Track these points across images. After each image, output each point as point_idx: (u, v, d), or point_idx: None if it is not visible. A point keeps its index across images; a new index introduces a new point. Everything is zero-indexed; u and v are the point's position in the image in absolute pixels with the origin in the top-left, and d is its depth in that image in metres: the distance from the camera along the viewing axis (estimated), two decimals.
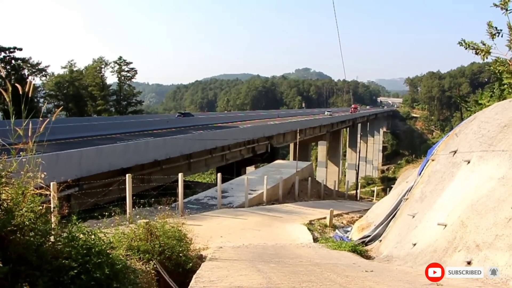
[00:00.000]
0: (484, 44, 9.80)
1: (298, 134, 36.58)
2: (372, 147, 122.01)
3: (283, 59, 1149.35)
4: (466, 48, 10.13)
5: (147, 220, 7.29)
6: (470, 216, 6.21)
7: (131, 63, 70.58)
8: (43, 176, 4.88)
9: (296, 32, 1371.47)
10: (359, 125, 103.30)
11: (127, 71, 70.38)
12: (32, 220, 4.04)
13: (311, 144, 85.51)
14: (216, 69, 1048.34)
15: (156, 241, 6.90)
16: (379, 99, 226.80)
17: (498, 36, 9.56)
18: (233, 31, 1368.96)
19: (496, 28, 9.61)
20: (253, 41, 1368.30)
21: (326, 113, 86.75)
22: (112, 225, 7.96)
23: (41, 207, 4.26)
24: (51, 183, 8.29)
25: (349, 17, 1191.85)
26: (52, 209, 5.25)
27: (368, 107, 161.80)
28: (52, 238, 4.32)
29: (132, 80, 72.94)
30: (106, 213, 8.01)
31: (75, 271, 3.86)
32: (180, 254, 7.08)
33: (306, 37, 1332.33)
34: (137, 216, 9.18)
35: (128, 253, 6.41)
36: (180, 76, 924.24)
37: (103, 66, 68.61)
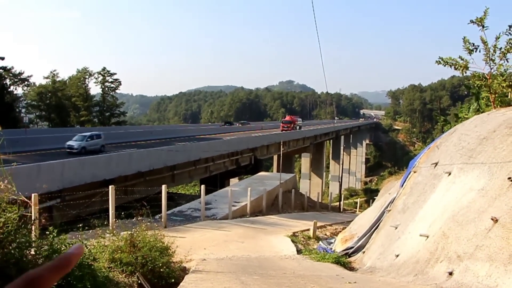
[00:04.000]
0: (462, 59, 10.03)
1: (281, 146, 36.67)
2: (355, 159, 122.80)
3: (267, 72, 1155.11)
4: (444, 65, 10.35)
5: (130, 232, 7.23)
6: (451, 227, 6.29)
7: (115, 74, 70.31)
8: (10, 187, 4.80)
9: (280, 45, 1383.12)
10: (342, 137, 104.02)
11: (111, 82, 69.98)
12: (12, 232, 3.98)
13: (295, 156, 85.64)
14: (200, 81, 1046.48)
15: (139, 253, 6.85)
16: (361, 111, 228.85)
17: (475, 51, 9.82)
18: (217, 43, 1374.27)
19: (473, 44, 9.87)
20: (237, 53, 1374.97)
21: None
22: (94, 237, 7.87)
23: (23, 219, 4.21)
24: (32, 195, 8.19)
25: (332, 30, 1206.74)
26: (32, 221, 5.18)
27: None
28: (33, 251, 4.27)
29: (116, 91, 72.52)
30: (89, 225, 7.92)
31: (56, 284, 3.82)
32: (163, 267, 7.03)
33: (290, 49, 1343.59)
34: (118, 229, 9.09)
35: (110, 266, 6.35)
36: (164, 88, 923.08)
37: (87, 76, 68.11)
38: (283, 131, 60.48)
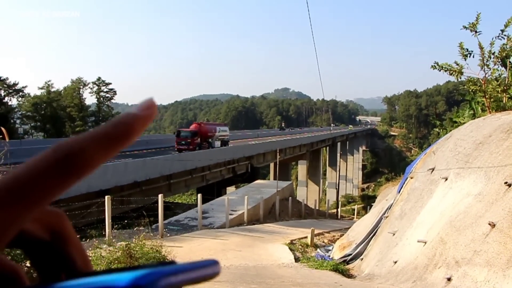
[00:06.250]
0: (457, 65, 10.10)
1: (278, 153, 36.67)
2: (352, 166, 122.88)
3: (262, 79, 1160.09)
4: (439, 70, 10.43)
5: (127, 242, 7.19)
6: (449, 233, 6.28)
7: (110, 83, 70.18)
8: None
9: (275, 52, 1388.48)
10: (339, 144, 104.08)
11: (106, 92, 69.85)
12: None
13: (291, 164, 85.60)
14: (196, 89, 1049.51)
15: (136, 263, 6.79)
16: (357, 118, 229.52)
17: (470, 56, 9.90)
18: (212, 52, 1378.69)
19: (467, 49, 9.95)
20: (232, 62, 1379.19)
21: None
22: (90, 248, 7.81)
23: None
24: None
25: (327, 38, 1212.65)
26: None
27: (350, 126, 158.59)
28: (28, 263, 4.22)
29: (111, 100, 72.38)
30: (85, 235, 7.87)
31: None
32: None
33: (285, 57, 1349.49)
34: (115, 239, 9.03)
35: None
36: (160, 97, 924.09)
37: (81, 86, 67.94)
38: (181, 150, 35.58)
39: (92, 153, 0.39)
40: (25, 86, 59.46)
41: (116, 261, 6.75)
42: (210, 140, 39.92)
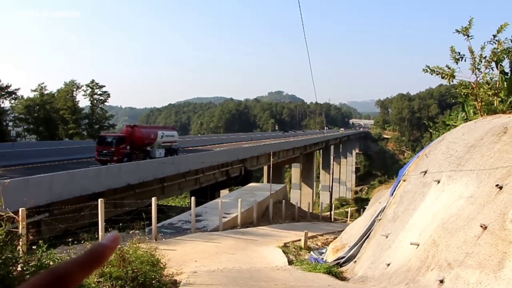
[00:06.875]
0: (449, 68, 10.18)
1: (271, 156, 36.65)
2: (345, 169, 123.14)
3: (256, 82, 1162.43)
4: (431, 74, 10.50)
5: (120, 246, 7.16)
6: (441, 235, 6.31)
7: (104, 86, 69.63)
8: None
9: (268, 56, 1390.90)
10: (332, 147, 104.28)
11: (100, 95, 69.47)
12: None
13: (285, 167, 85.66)
14: (189, 92, 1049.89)
15: (129, 267, 6.77)
16: (351, 121, 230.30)
17: (461, 60, 9.98)
18: (206, 55, 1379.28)
19: (459, 53, 10.04)
20: (226, 65, 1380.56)
21: None
22: (83, 251, 7.77)
23: (10, 234, 4.15)
24: (20, 209, 8.09)
25: (321, 41, 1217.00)
26: (19, 236, 5.11)
27: (341, 130, 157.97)
28: (19, 267, 4.19)
29: (105, 103, 71.99)
30: (78, 239, 7.83)
31: None
32: (154, 280, 6.95)
33: (279, 60, 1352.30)
34: None
35: (99, 280, 6.27)
36: (153, 100, 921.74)
37: (74, 89, 67.57)
38: (104, 162, 27.32)
39: (76, 274, 0.60)
40: (18, 89, 59.10)
41: (109, 265, 6.72)
42: (148, 148, 32.13)
